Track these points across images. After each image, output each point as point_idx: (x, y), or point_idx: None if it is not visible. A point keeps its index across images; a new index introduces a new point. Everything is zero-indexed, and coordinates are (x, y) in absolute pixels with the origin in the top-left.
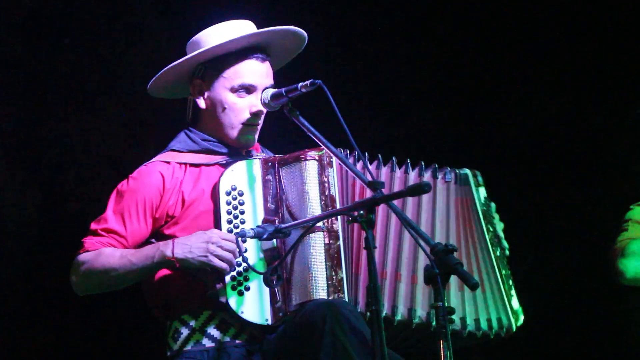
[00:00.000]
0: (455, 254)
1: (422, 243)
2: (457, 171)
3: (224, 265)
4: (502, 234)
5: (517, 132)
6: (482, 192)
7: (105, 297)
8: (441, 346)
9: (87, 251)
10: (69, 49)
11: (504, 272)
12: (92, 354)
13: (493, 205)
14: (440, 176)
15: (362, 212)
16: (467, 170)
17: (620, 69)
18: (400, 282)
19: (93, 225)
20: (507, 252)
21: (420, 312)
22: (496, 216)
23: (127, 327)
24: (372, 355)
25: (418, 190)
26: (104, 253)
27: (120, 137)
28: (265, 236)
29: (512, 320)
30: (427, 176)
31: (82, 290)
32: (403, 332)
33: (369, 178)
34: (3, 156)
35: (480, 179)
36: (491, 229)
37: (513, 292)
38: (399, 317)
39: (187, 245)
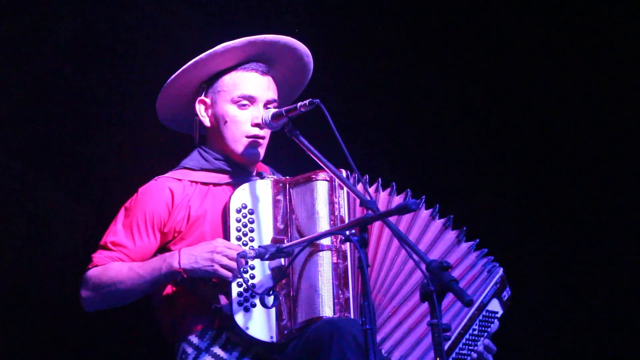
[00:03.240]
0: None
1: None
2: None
3: (228, 274)
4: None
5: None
6: None
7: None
8: None
9: (96, 266)
10: (114, 69)
11: None
12: None
13: None
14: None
15: (354, 231)
16: None
17: None
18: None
19: (103, 240)
20: None
21: None
22: None
23: (139, 349)
24: None
25: (405, 209)
26: (112, 267)
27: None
28: (267, 256)
29: None
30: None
31: (91, 306)
32: None
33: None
34: (53, 176)
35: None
36: None
37: None
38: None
39: (193, 256)
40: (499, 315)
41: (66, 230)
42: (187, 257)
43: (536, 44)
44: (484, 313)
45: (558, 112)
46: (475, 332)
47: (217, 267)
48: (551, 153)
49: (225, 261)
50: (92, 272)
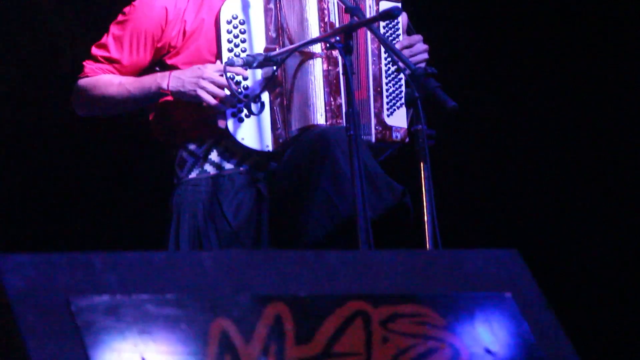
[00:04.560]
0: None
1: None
2: None
3: (212, 101)
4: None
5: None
6: None
7: (114, 124)
8: (422, 168)
9: (87, 76)
10: None
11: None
12: (98, 179)
13: None
14: None
15: (338, 38)
16: None
17: None
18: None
19: (94, 50)
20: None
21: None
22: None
23: (136, 155)
24: (369, 178)
25: (389, 15)
26: (102, 80)
27: None
28: (255, 64)
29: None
30: None
31: (81, 113)
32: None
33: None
34: None
35: None
36: None
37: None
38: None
39: (181, 80)
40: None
41: (72, 48)
42: (176, 80)
43: None
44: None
45: None
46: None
47: (200, 92)
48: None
49: (211, 88)
50: (83, 83)
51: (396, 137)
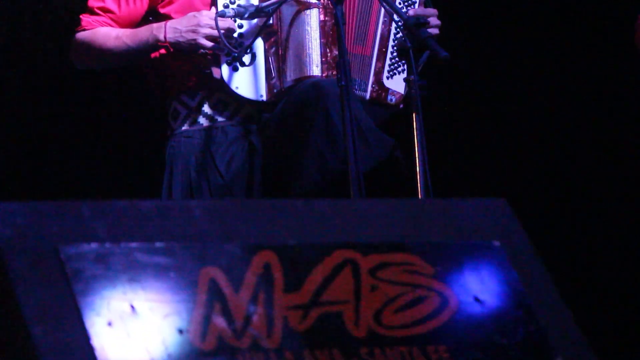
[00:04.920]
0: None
1: (396, 17)
2: None
3: (210, 44)
4: None
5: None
6: None
7: (109, 75)
8: (414, 118)
9: (84, 29)
10: None
11: None
12: (94, 130)
13: None
14: None
15: None
16: None
17: None
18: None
19: (90, 2)
20: None
21: None
22: None
23: (130, 106)
24: (361, 132)
25: None
26: (99, 34)
27: None
28: (246, 15)
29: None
30: None
31: (80, 66)
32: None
33: None
34: None
35: None
36: None
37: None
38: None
39: (178, 30)
40: None
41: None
42: (173, 30)
43: None
44: None
45: None
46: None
47: (199, 38)
48: None
49: (209, 31)
50: (80, 37)
51: (391, 100)
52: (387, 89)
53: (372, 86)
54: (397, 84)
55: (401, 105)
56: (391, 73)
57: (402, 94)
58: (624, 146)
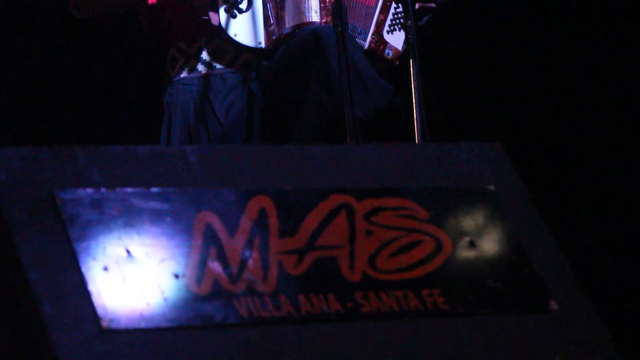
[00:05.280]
0: None
1: None
2: None
3: None
4: None
5: None
6: None
7: (107, 24)
8: (411, 64)
9: None
10: None
11: None
12: (92, 78)
13: None
14: None
15: None
16: None
17: None
18: None
19: None
20: None
21: None
22: None
23: (128, 54)
24: (360, 79)
25: None
26: None
27: None
28: None
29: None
30: None
31: (81, 16)
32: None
33: None
34: None
35: None
36: None
37: None
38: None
39: None
40: None
41: None
42: None
43: None
44: None
45: None
46: None
47: None
48: None
49: None
50: None
51: (388, 53)
52: (386, 42)
53: (371, 36)
54: (396, 39)
55: (397, 62)
56: (392, 28)
57: (399, 50)
58: (624, 96)
